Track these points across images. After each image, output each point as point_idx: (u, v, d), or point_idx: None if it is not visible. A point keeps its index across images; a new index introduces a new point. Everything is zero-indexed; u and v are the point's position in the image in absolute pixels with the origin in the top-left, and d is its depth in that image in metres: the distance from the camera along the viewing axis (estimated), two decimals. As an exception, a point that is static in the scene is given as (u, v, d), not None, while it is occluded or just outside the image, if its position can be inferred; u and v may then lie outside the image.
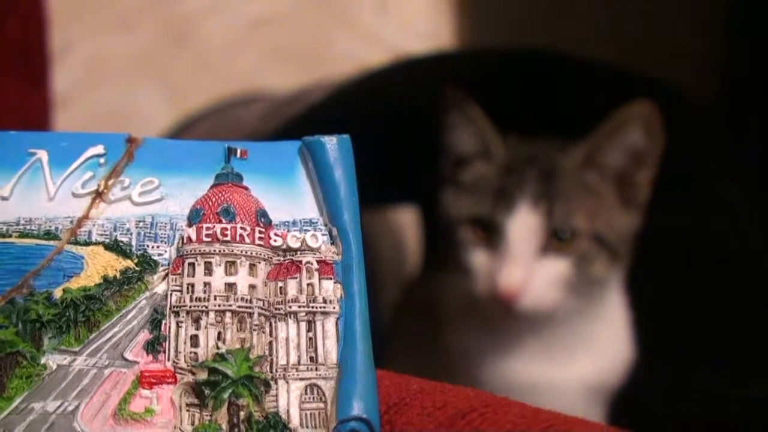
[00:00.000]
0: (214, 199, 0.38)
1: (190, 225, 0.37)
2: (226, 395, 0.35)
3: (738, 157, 0.89)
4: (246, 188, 0.38)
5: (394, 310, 0.99)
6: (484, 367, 0.75)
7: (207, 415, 0.35)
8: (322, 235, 0.38)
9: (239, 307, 0.36)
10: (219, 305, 0.36)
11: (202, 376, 0.35)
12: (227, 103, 1.04)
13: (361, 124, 0.90)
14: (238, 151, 0.39)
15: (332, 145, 0.39)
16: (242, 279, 0.37)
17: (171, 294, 0.36)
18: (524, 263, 0.69)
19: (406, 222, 1.16)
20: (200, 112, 1.04)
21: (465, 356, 0.76)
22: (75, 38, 1.13)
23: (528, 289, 0.69)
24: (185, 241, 0.37)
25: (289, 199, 0.39)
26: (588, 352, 0.76)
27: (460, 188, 0.76)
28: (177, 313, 0.36)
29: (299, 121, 0.78)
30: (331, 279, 0.38)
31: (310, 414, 0.36)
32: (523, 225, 0.70)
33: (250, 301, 0.37)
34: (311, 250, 0.38)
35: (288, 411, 0.36)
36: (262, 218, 0.38)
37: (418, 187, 1.07)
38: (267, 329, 0.37)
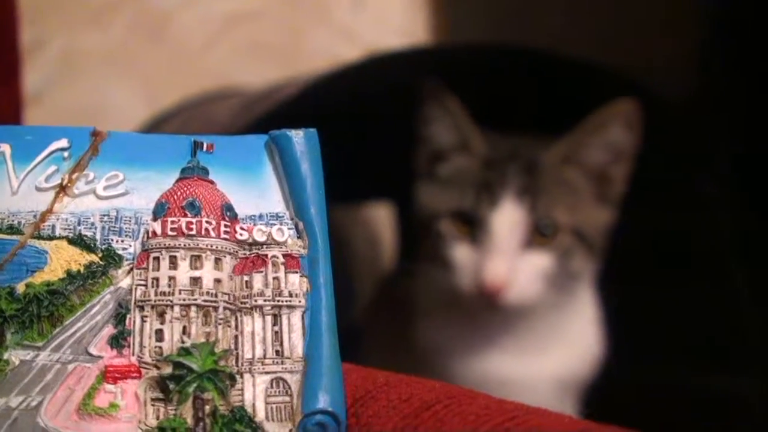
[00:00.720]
0: (179, 193, 0.38)
1: (155, 219, 0.37)
2: (191, 389, 0.35)
3: (712, 155, 0.90)
4: (212, 182, 0.39)
5: (368, 306, 1.00)
6: (456, 362, 0.75)
7: (172, 410, 0.35)
8: (289, 228, 0.39)
9: (204, 301, 0.36)
10: (184, 299, 0.36)
11: (167, 370, 0.35)
12: (200, 99, 1.04)
13: (335, 119, 0.90)
14: (204, 145, 0.39)
15: (299, 138, 0.39)
16: (208, 273, 0.37)
17: (136, 288, 0.36)
18: (509, 257, 0.70)
19: (381, 218, 1.17)
20: (173, 108, 1.04)
21: (438, 351, 0.76)
22: (46, 34, 1.12)
23: (513, 283, 0.69)
24: (150, 235, 0.37)
25: (256, 192, 0.39)
26: (560, 346, 0.77)
27: (437, 182, 0.76)
28: (142, 308, 0.36)
29: (272, 116, 0.77)
30: (297, 272, 0.38)
31: (276, 407, 0.36)
32: (507, 219, 0.70)
33: (216, 295, 0.37)
34: (277, 243, 0.38)
35: (254, 405, 0.36)
36: (228, 212, 0.38)
37: (393, 182, 1.07)
38: (232, 323, 0.37)
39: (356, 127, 0.94)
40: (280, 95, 0.85)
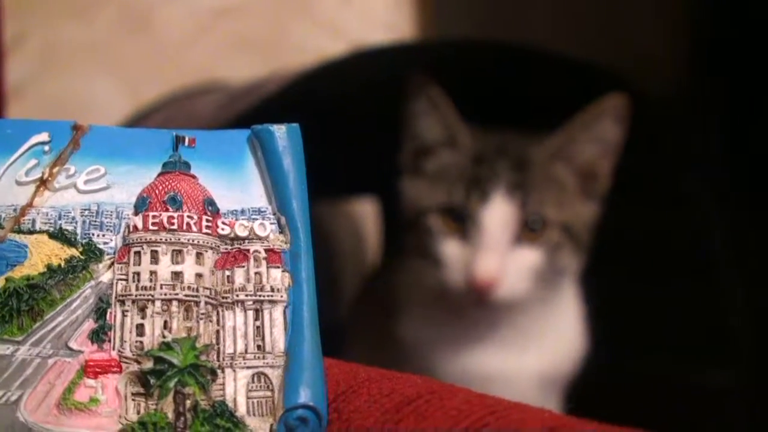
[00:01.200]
0: (160, 188, 0.38)
1: (136, 213, 0.37)
2: (171, 384, 0.35)
3: (698, 153, 0.91)
4: (194, 177, 0.39)
5: (353, 302, 1.00)
6: (439, 357, 0.75)
7: (152, 404, 0.35)
8: (271, 223, 0.39)
9: (186, 295, 0.36)
10: (165, 294, 0.36)
11: (148, 365, 0.35)
12: (184, 93, 1.03)
13: (319, 114, 0.90)
14: (186, 140, 0.39)
15: (281, 133, 0.39)
16: (189, 267, 0.37)
17: (116, 283, 0.36)
18: (499, 253, 0.70)
19: (366, 213, 1.17)
20: (156, 102, 1.03)
21: (421, 347, 0.76)
22: (28, 27, 1.11)
23: (503, 279, 0.69)
24: (131, 229, 0.37)
25: (238, 187, 0.39)
26: (544, 342, 0.77)
27: (424, 177, 0.76)
28: (122, 302, 0.36)
29: (256, 111, 0.77)
30: (279, 267, 0.38)
31: (257, 402, 0.36)
32: (498, 214, 0.70)
33: (197, 290, 0.37)
34: (259, 238, 0.38)
35: (235, 399, 0.36)
36: (210, 207, 0.38)
37: (377, 178, 1.07)
38: (214, 318, 0.37)
39: (341, 122, 0.94)
40: (264, 90, 0.85)
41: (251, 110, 0.79)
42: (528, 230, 0.72)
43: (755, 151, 0.89)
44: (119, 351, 0.35)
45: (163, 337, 0.36)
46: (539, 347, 0.77)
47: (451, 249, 0.72)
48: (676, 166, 0.87)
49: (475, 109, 0.77)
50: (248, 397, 0.36)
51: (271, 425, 0.36)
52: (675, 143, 0.86)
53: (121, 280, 0.36)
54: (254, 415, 0.36)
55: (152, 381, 0.35)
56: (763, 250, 0.85)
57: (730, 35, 0.92)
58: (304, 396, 0.36)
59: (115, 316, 0.36)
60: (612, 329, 0.78)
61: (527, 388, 0.76)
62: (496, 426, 0.36)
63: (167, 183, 0.38)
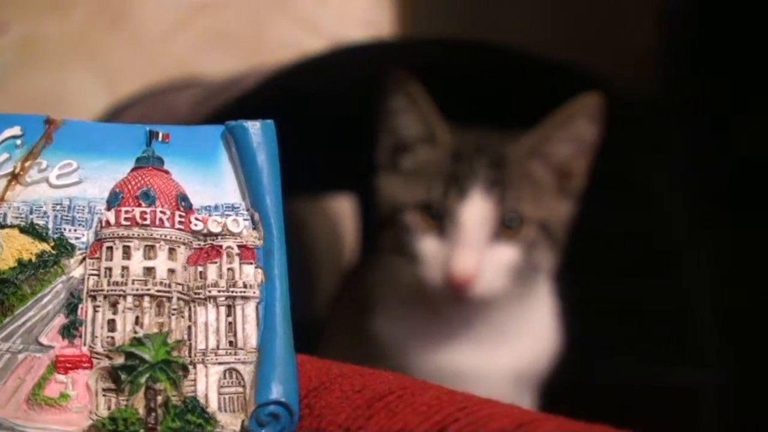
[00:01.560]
0: (133, 183, 0.38)
1: (108, 208, 0.37)
2: (143, 380, 0.35)
3: (670, 153, 0.92)
4: (167, 172, 0.38)
5: (330, 298, 1.00)
6: (415, 354, 0.76)
7: (123, 400, 0.35)
8: (244, 219, 0.39)
9: (158, 291, 0.36)
10: (137, 289, 0.36)
11: (119, 360, 0.35)
12: (161, 88, 1.03)
13: (297, 111, 0.90)
14: (160, 135, 0.39)
15: (255, 129, 0.40)
16: (161, 263, 0.37)
17: (88, 278, 0.36)
18: (477, 250, 0.70)
19: (344, 210, 1.17)
20: (133, 97, 1.03)
21: (396, 344, 0.77)
22: (5, 20, 1.11)
23: (480, 276, 0.70)
24: (103, 224, 0.37)
25: (211, 183, 0.39)
26: (518, 339, 0.78)
27: (401, 174, 0.76)
28: (94, 297, 0.36)
29: (233, 107, 0.77)
30: (252, 264, 0.38)
31: (229, 398, 0.36)
32: (476, 211, 0.71)
33: (169, 286, 0.37)
34: (232, 234, 0.38)
35: (206, 395, 0.36)
36: (183, 202, 0.38)
37: (355, 174, 1.08)
38: (186, 314, 0.37)
39: (319, 119, 0.94)
40: (242, 86, 0.85)
41: (228, 106, 0.79)
42: (505, 227, 0.72)
43: (732, 151, 0.90)
44: (90, 346, 0.35)
45: (135, 332, 0.36)
46: (514, 344, 0.78)
47: (428, 246, 0.72)
48: (649, 166, 0.88)
49: (453, 108, 0.77)
50: (220, 393, 0.36)
51: (243, 421, 0.36)
52: (648, 144, 0.87)
53: (92, 275, 0.36)
54: (225, 410, 0.36)
55: (123, 377, 0.35)
56: (733, 250, 0.87)
57: (710, 36, 0.93)
58: (275, 392, 0.36)
59: (86, 311, 0.36)
60: (583, 327, 0.79)
61: (502, 386, 0.76)
62: (466, 421, 0.37)
63: (140, 178, 0.38)
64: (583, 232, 0.78)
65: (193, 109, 0.84)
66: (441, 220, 0.72)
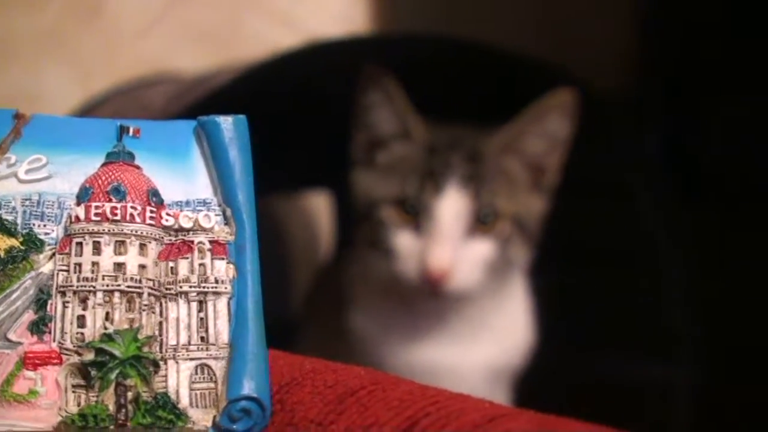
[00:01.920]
0: (104, 178, 0.37)
1: (78, 204, 0.37)
2: (113, 375, 0.35)
3: (643, 148, 0.93)
4: (138, 167, 0.38)
5: (305, 295, 1.00)
6: (389, 350, 0.76)
7: (93, 396, 0.35)
8: (216, 215, 0.38)
9: (128, 287, 0.36)
10: (107, 285, 0.36)
11: (89, 356, 0.35)
12: (135, 84, 1.02)
13: (272, 107, 0.90)
14: (131, 130, 0.39)
15: (228, 125, 0.39)
16: (132, 258, 0.37)
17: (57, 274, 0.36)
18: (453, 245, 0.70)
19: (320, 206, 1.17)
20: (107, 93, 1.02)
21: (371, 339, 0.77)
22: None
23: (456, 271, 0.70)
24: (73, 220, 0.37)
25: (183, 178, 0.39)
26: (492, 335, 0.78)
27: (376, 170, 0.76)
28: (63, 293, 0.36)
29: (207, 103, 0.77)
30: (223, 259, 0.38)
31: (200, 394, 0.36)
32: (452, 206, 0.71)
33: (140, 281, 0.37)
34: (204, 230, 0.38)
35: (177, 391, 0.36)
36: (154, 197, 0.38)
37: (330, 171, 1.08)
38: (157, 309, 0.37)
39: (294, 115, 0.94)
40: (217, 82, 0.85)
41: (203, 102, 0.79)
42: (480, 222, 0.72)
43: (698, 149, 0.91)
44: (60, 343, 0.35)
45: (105, 328, 0.36)
46: (488, 340, 0.78)
47: (404, 240, 0.72)
48: (622, 160, 0.89)
49: (428, 104, 0.77)
50: (191, 389, 0.36)
51: (214, 417, 0.36)
52: (621, 138, 0.88)
53: (62, 271, 0.36)
54: (197, 406, 0.36)
55: (93, 373, 0.35)
56: (706, 246, 0.87)
57: (677, 33, 0.94)
58: (247, 388, 0.36)
59: (55, 307, 0.36)
60: (557, 323, 0.79)
61: (476, 381, 0.77)
62: (437, 416, 0.37)
63: (110, 173, 0.37)
64: (557, 229, 0.78)
65: (167, 105, 0.84)
66: (416, 214, 0.72)
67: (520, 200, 0.75)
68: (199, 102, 0.79)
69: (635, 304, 0.92)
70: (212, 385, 0.36)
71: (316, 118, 0.87)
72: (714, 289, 0.88)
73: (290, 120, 0.94)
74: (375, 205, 0.74)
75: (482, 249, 0.72)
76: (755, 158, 0.89)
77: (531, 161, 0.76)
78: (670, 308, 0.90)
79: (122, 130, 0.39)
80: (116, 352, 0.35)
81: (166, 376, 0.36)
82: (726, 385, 0.88)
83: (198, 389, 0.36)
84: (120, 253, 0.37)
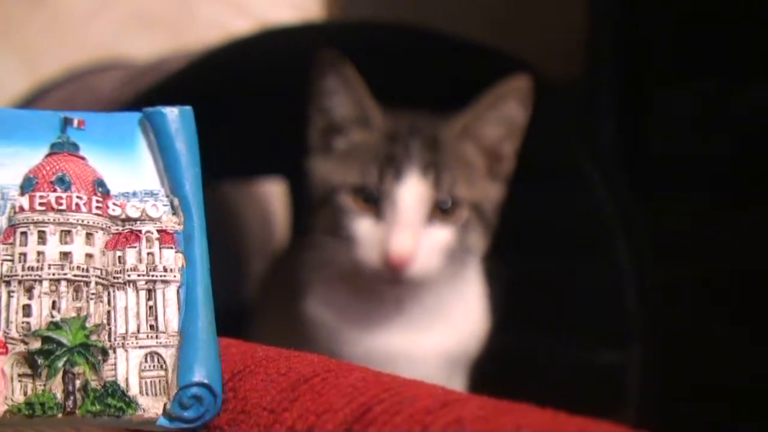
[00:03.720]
0: (48, 168, 0.38)
1: (22, 194, 0.37)
2: (60, 363, 0.35)
3: (595, 136, 0.94)
4: (83, 158, 0.39)
5: (260, 282, 1.00)
6: (345, 337, 0.77)
7: (41, 385, 0.35)
8: (163, 205, 0.39)
9: (75, 275, 0.37)
10: (53, 274, 0.36)
11: (35, 345, 0.35)
12: (84, 70, 1.01)
13: (225, 93, 0.90)
14: (75, 121, 0.39)
15: (173, 116, 0.40)
16: (78, 248, 0.37)
17: (1, 263, 0.36)
18: (414, 231, 0.71)
19: (274, 194, 1.17)
20: (55, 79, 1.01)
21: (326, 327, 0.77)
22: None
23: (417, 256, 0.71)
24: (17, 210, 0.37)
25: (129, 169, 0.39)
26: (448, 321, 0.79)
27: (334, 156, 0.76)
28: (8, 283, 0.36)
29: (159, 90, 0.77)
30: (172, 248, 0.39)
31: (150, 382, 0.37)
32: (413, 193, 0.72)
33: (87, 270, 0.37)
34: (151, 219, 0.39)
35: (127, 379, 0.37)
36: (100, 188, 0.38)
37: (284, 157, 1.08)
38: (105, 298, 0.37)
39: (246, 102, 0.94)
40: (168, 68, 0.84)
41: (154, 88, 0.78)
42: (440, 210, 0.73)
43: (650, 136, 0.93)
44: (5, 332, 0.35)
45: (52, 317, 0.36)
46: (444, 326, 0.79)
47: (364, 227, 0.73)
48: (575, 148, 0.91)
49: (381, 90, 0.78)
50: (141, 377, 0.37)
51: (165, 404, 0.37)
52: (574, 126, 0.89)
53: (6, 260, 0.36)
54: (147, 394, 0.37)
55: (40, 361, 0.35)
56: (656, 231, 0.90)
57: (630, 19, 0.95)
58: (198, 375, 0.37)
59: (0, 297, 0.36)
60: (511, 308, 0.81)
61: (432, 367, 0.78)
62: (391, 402, 0.38)
63: (55, 164, 0.38)
64: (510, 215, 0.80)
65: (116, 93, 0.83)
66: (377, 202, 0.73)
67: (478, 187, 0.76)
68: (150, 88, 0.78)
69: (589, 290, 0.94)
70: (162, 372, 0.37)
71: (269, 104, 0.87)
72: (664, 275, 0.90)
73: (243, 106, 0.94)
74: (334, 192, 0.75)
75: (442, 235, 0.74)
76: (703, 146, 0.91)
77: (488, 148, 0.77)
78: (623, 293, 0.93)
79: (66, 122, 0.39)
80: (63, 340, 0.36)
81: (115, 364, 0.37)
82: (672, 365, 0.91)
83: (148, 377, 0.37)
84: (66, 243, 0.37)
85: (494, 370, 0.82)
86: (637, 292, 0.92)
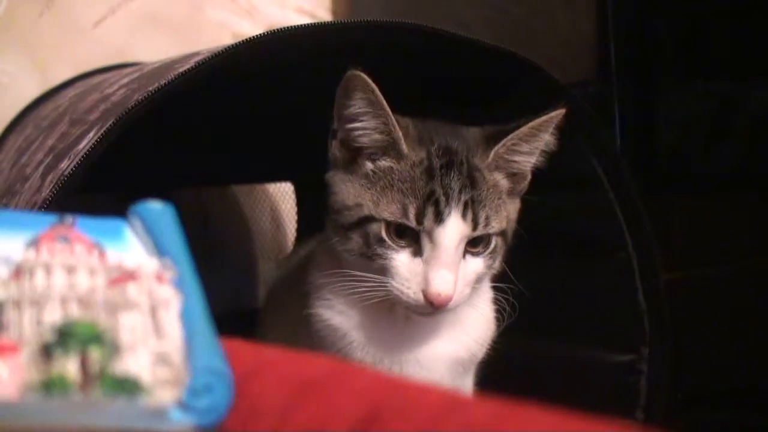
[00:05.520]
0: (50, 233, 0.42)
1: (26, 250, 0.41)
2: (76, 349, 0.37)
3: (606, 139, 0.94)
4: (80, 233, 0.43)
5: (269, 285, 1.00)
6: (355, 347, 0.77)
7: (58, 367, 0.37)
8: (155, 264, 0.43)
9: (81, 298, 0.40)
10: (63, 294, 0.40)
11: (51, 337, 0.37)
12: (94, 72, 1.02)
13: (234, 96, 0.90)
14: (67, 221, 0.44)
15: (157, 211, 0.45)
16: (83, 280, 0.41)
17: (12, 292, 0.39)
18: (454, 269, 0.72)
19: (285, 198, 1.18)
20: (66, 81, 1.02)
21: (336, 336, 0.78)
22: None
23: (456, 291, 0.72)
24: (24, 260, 0.41)
25: (120, 253, 0.44)
26: (458, 329, 0.80)
27: (361, 178, 0.75)
28: (18, 303, 0.39)
29: (170, 90, 0.76)
30: (167, 286, 0.42)
31: (161, 372, 0.39)
32: (453, 234, 0.72)
33: (93, 295, 0.40)
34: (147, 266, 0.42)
35: (139, 370, 0.38)
36: (98, 247, 0.43)
37: (293, 162, 1.08)
38: (111, 319, 0.39)
39: (257, 105, 0.95)
40: (178, 70, 0.84)
41: (165, 89, 0.78)
42: (475, 244, 0.74)
43: (656, 142, 0.93)
44: (19, 334, 0.36)
45: (64, 319, 0.37)
46: (456, 334, 0.80)
47: (401, 261, 0.73)
48: (585, 151, 0.91)
49: (391, 92, 0.78)
50: (152, 370, 0.38)
51: (177, 394, 0.38)
52: (585, 130, 0.90)
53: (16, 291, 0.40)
54: (159, 385, 0.38)
55: (56, 348, 0.37)
56: (664, 234, 0.90)
57: (640, 25, 0.95)
58: (207, 364, 0.39)
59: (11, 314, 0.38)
60: (523, 311, 0.81)
61: (442, 371, 0.79)
62: (400, 404, 0.38)
63: (56, 230, 0.42)
64: (522, 218, 0.80)
65: (126, 94, 0.83)
66: (418, 239, 0.72)
67: (504, 212, 0.77)
68: (161, 90, 0.78)
69: (601, 291, 0.95)
70: (173, 367, 0.38)
71: (280, 108, 0.87)
72: (672, 275, 0.90)
73: (253, 110, 0.94)
74: (368, 221, 0.74)
75: (475, 265, 0.75)
76: (710, 147, 0.91)
77: (515, 172, 0.78)
78: (635, 295, 0.93)
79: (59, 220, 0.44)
80: (78, 331, 0.37)
81: (127, 358, 0.38)
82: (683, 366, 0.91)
83: (159, 371, 0.38)
84: (72, 273, 0.41)
85: (507, 370, 0.83)
86: (648, 293, 0.92)
